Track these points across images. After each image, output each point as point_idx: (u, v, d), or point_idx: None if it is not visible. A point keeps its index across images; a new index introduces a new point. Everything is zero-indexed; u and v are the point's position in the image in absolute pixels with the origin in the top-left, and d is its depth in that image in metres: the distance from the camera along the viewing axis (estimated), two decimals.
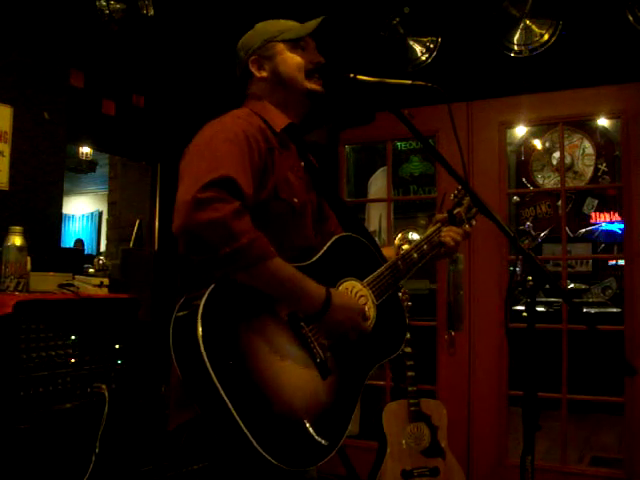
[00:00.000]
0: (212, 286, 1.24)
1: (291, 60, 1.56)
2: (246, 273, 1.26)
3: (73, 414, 2.10)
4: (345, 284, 1.49)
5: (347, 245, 1.56)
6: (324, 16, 1.57)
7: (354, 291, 1.50)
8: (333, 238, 1.54)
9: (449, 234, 1.74)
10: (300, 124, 1.61)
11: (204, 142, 1.36)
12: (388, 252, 1.70)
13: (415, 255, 1.67)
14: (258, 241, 1.25)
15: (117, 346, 2.31)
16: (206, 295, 1.22)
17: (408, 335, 2.66)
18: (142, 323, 2.51)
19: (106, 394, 2.18)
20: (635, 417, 2.95)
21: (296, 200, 1.48)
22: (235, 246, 1.21)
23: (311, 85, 1.56)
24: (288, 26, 1.61)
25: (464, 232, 1.78)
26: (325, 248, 1.50)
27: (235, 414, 1.16)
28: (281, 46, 1.57)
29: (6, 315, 1.94)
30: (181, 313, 1.28)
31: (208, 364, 1.16)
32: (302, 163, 1.60)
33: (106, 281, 2.47)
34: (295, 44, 1.57)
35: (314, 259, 1.46)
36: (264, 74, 1.57)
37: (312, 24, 1.58)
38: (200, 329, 1.18)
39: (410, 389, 2.78)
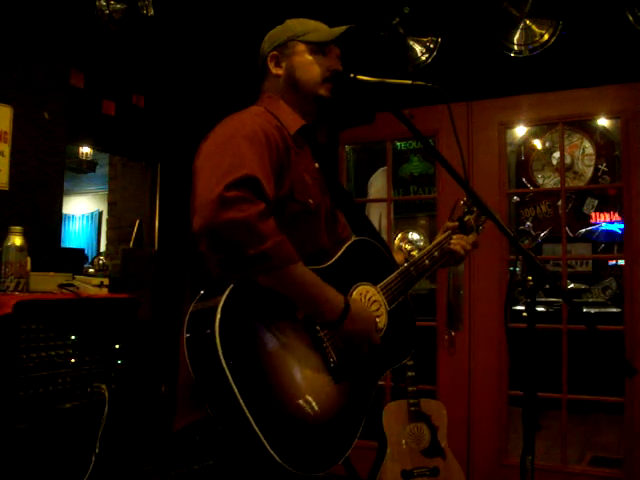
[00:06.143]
0: (231, 286, 1.23)
1: (310, 67, 1.53)
2: (268, 276, 1.25)
3: (73, 414, 2.10)
4: (359, 289, 1.48)
5: (362, 249, 1.56)
6: (353, 24, 1.54)
7: (367, 296, 1.50)
8: (349, 242, 1.54)
9: (460, 242, 1.73)
10: (313, 125, 1.59)
11: (224, 139, 1.33)
12: (397, 257, 1.70)
13: (427, 261, 1.67)
14: (283, 245, 1.24)
15: (117, 346, 2.31)
16: (226, 294, 1.21)
17: None
18: (142, 323, 2.51)
19: (106, 394, 2.18)
20: (635, 417, 2.95)
21: (311, 201, 1.47)
22: (261, 248, 1.20)
23: (321, 91, 1.54)
24: (315, 27, 1.58)
25: (473, 241, 1.78)
26: (341, 251, 1.50)
27: (248, 414, 1.15)
28: (302, 47, 1.54)
29: (6, 315, 1.94)
30: (198, 311, 1.27)
31: (224, 363, 1.15)
32: (316, 165, 1.59)
33: (106, 281, 2.47)
34: (317, 47, 1.54)
35: (330, 262, 1.46)
36: (279, 72, 1.56)
37: (337, 31, 1.54)
38: (218, 328, 1.17)
39: (410, 389, 2.78)
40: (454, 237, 1.75)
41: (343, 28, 1.54)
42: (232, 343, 1.18)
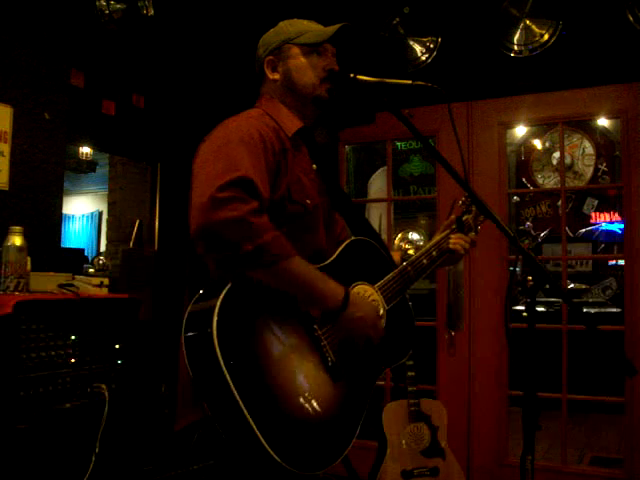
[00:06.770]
0: (229, 285, 1.23)
1: (306, 69, 1.54)
2: (267, 270, 1.25)
3: (73, 414, 2.10)
4: (357, 288, 1.49)
5: (360, 249, 1.57)
6: (345, 23, 1.55)
7: (366, 295, 1.51)
8: (347, 241, 1.55)
9: (459, 242, 1.74)
10: (311, 126, 1.60)
11: (219, 142, 1.35)
12: (395, 256, 1.71)
13: (425, 261, 1.68)
14: (280, 239, 1.25)
15: (117, 346, 2.31)
16: (223, 294, 1.22)
17: None
18: (142, 323, 2.51)
19: (106, 394, 2.17)
20: (635, 417, 2.95)
21: (309, 202, 1.47)
22: (258, 242, 1.21)
23: (319, 92, 1.55)
24: (308, 28, 1.58)
25: (472, 240, 1.79)
26: (339, 251, 1.51)
27: (247, 413, 1.15)
28: (296, 50, 1.55)
29: (6, 315, 1.94)
30: (196, 311, 1.27)
31: (222, 362, 1.16)
32: (314, 166, 1.59)
33: (106, 281, 2.47)
34: (311, 49, 1.55)
35: (328, 262, 1.46)
36: (276, 76, 1.57)
37: (330, 30, 1.55)
38: (215, 327, 1.17)
39: (410, 389, 2.78)
40: (453, 236, 1.75)
41: (336, 27, 1.55)
42: (230, 343, 1.18)
